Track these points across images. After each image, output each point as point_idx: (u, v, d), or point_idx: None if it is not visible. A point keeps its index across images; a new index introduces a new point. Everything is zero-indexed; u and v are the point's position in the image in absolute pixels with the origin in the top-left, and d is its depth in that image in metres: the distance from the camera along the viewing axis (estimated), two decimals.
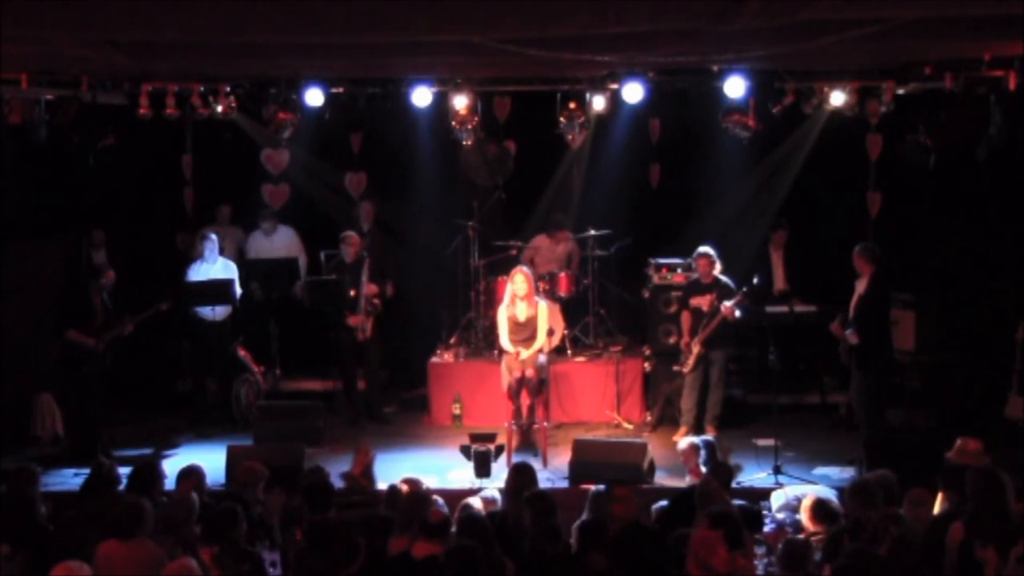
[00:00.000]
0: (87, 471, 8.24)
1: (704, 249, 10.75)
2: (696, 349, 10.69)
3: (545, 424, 10.36)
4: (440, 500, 7.34)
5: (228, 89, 10.96)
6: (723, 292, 10.55)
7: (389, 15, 6.95)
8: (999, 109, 9.90)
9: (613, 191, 12.39)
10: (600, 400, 11.46)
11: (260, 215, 12.55)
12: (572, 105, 10.90)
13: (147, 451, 10.57)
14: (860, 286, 10.18)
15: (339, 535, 6.18)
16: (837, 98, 10.68)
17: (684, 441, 9.06)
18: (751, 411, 11.48)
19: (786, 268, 12.05)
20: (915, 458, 8.57)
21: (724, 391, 10.90)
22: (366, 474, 8.69)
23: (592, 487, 7.62)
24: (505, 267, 11.48)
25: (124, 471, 8.08)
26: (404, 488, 7.60)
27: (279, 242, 12.50)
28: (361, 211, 12.31)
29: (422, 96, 10.81)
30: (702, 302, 10.65)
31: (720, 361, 10.75)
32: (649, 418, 11.37)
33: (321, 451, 10.25)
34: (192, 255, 11.79)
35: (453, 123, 11.18)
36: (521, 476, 7.58)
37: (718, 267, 10.71)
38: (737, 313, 10.47)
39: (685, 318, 10.85)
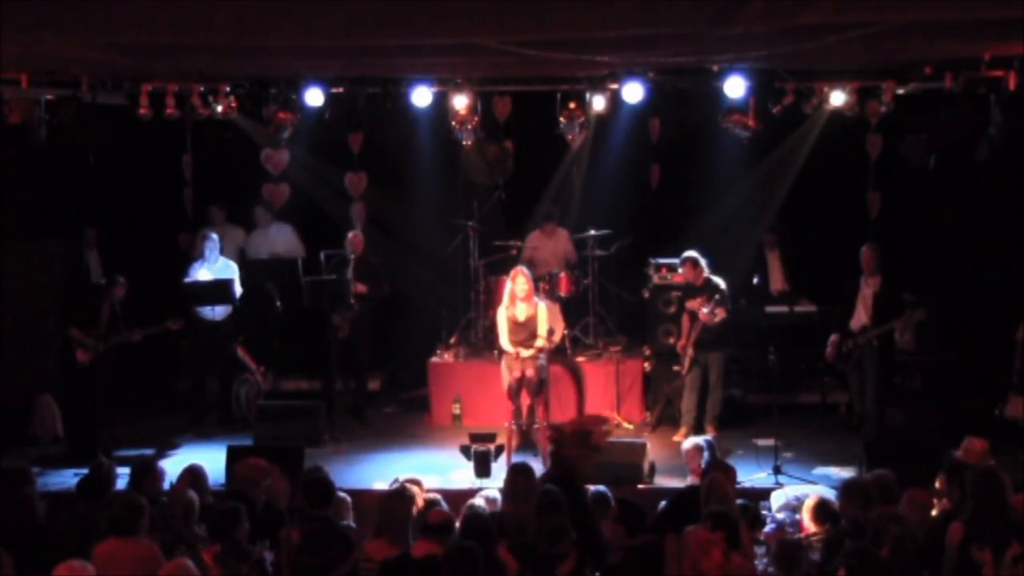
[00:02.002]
0: (87, 471, 8.25)
1: (688, 254, 10.75)
2: (689, 352, 10.71)
3: (545, 424, 10.36)
4: (439, 498, 7.37)
5: (228, 89, 10.98)
6: (711, 295, 10.55)
7: (390, 17, 6.95)
8: (999, 109, 9.90)
9: (613, 191, 12.38)
10: (600, 400, 11.46)
11: (254, 212, 12.58)
12: (572, 105, 10.91)
13: (147, 451, 10.56)
14: (872, 284, 10.22)
15: (333, 534, 6.20)
16: (837, 98, 10.69)
17: (687, 442, 9.04)
18: (751, 411, 11.48)
19: (784, 268, 12.06)
20: (915, 458, 8.59)
21: (724, 391, 10.90)
22: (581, 438, 8.35)
23: (592, 487, 7.62)
24: (505, 267, 11.48)
25: (124, 471, 8.09)
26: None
27: (277, 236, 12.53)
28: (354, 211, 12.31)
29: (422, 96, 10.81)
30: (695, 305, 10.67)
31: (717, 363, 10.74)
32: (649, 418, 11.38)
33: (321, 451, 10.25)
34: (192, 255, 11.79)
35: (453, 123, 11.18)
36: (521, 477, 7.57)
37: (706, 270, 10.70)
38: (717, 317, 10.46)
39: (684, 320, 10.87)
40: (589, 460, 7.76)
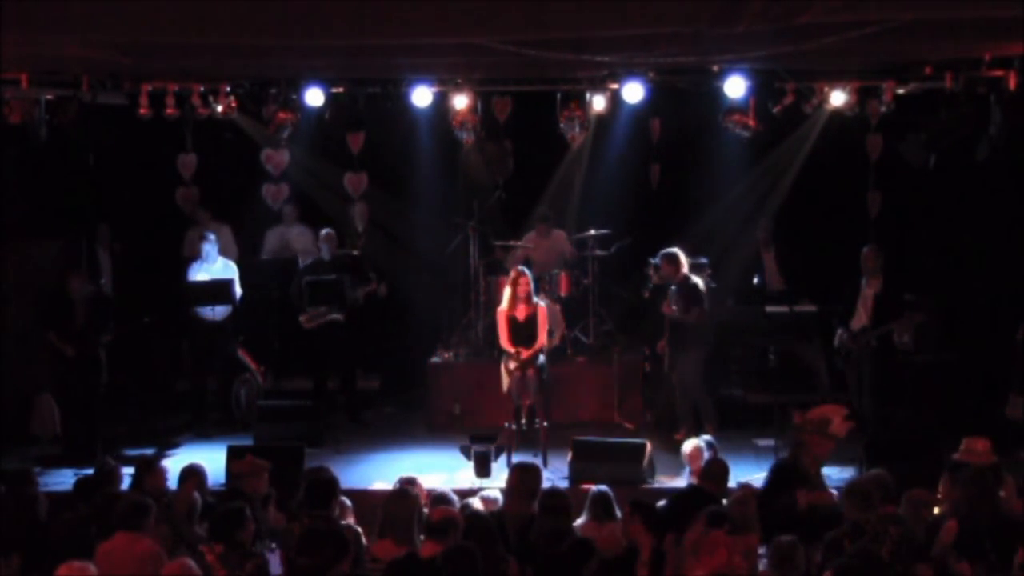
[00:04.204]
0: (86, 471, 8.26)
1: (665, 251, 10.77)
2: (667, 351, 10.78)
3: (545, 424, 10.36)
4: (455, 498, 7.38)
5: (228, 89, 10.97)
6: (682, 293, 10.58)
7: (390, 17, 6.95)
8: (999, 109, 9.90)
9: (613, 191, 12.39)
10: (600, 400, 11.46)
11: (282, 210, 12.61)
12: (572, 105, 10.90)
13: (148, 451, 10.56)
14: (873, 285, 10.24)
15: (329, 534, 6.21)
16: (837, 98, 10.68)
17: (688, 442, 9.05)
18: (751, 411, 11.47)
19: (780, 267, 12.06)
20: (915, 458, 8.59)
21: (707, 392, 10.85)
22: (820, 425, 8.38)
23: (592, 487, 7.63)
24: (505, 267, 11.49)
25: (125, 471, 8.10)
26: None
27: (298, 236, 12.57)
28: (356, 211, 12.33)
29: (422, 96, 10.80)
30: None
31: (690, 363, 10.73)
32: (649, 418, 11.37)
33: (321, 451, 10.26)
34: (192, 255, 11.79)
35: (453, 123, 11.18)
36: (526, 475, 7.58)
37: (685, 267, 10.71)
38: (691, 317, 10.49)
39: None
40: (825, 447, 7.85)
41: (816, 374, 10.97)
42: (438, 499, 7.38)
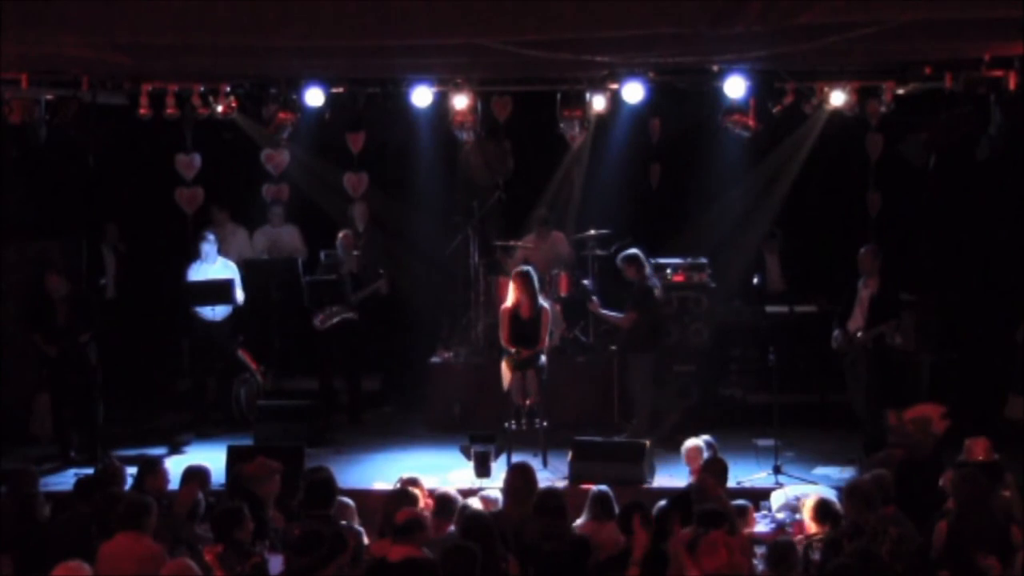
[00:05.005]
0: (86, 471, 8.27)
1: (625, 253, 10.79)
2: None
3: (545, 424, 10.36)
4: (458, 498, 7.39)
5: (228, 89, 10.98)
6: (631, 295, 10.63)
7: (390, 17, 6.95)
8: (999, 109, 9.91)
9: (613, 191, 12.40)
10: (600, 400, 11.46)
11: (270, 211, 12.61)
12: (572, 105, 10.90)
13: (148, 451, 10.57)
14: (870, 286, 10.24)
15: (326, 533, 6.21)
16: (837, 98, 10.69)
17: (688, 442, 9.05)
18: (751, 411, 11.47)
19: (783, 269, 12.06)
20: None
21: (649, 394, 10.82)
22: (922, 424, 8.62)
23: (592, 487, 7.63)
24: (504, 267, 11.48)
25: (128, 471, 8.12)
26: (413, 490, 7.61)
27: (286, 237, 12.56)
28: (356, 211, 12.34)
29: (422, 96, 10.81)
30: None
31: (635, 365, 10.76)
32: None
33: (321, 451, 10.26)
34: (191, 255, 11.79)
35: (453, 123, 11.17)
36: (522, 476, 7.59)
37: (646, 268, 10.75)
38: (626, 321, 10.64)
39: None
40: (929, 447, 8.25)
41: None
42: (441, 499, 7.40)
